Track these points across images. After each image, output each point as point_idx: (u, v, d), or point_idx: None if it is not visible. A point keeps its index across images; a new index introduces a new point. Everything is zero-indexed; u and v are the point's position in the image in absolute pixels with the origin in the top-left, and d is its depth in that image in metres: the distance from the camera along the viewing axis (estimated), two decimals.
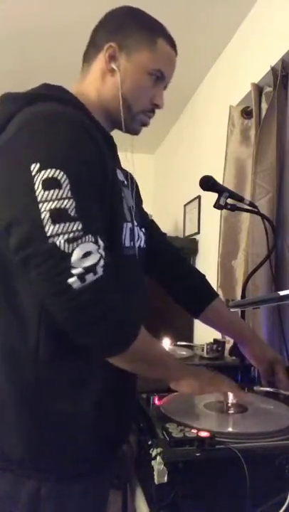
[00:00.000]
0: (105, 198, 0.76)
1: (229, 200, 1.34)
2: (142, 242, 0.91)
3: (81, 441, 0.75)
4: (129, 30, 0.85)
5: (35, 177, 0.65)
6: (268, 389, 1.08)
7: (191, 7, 2.00)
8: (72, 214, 0.65)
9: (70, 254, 0.63)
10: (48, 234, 0.64)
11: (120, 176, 0.86)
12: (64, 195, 0.65)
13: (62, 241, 0.64)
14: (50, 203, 0.64)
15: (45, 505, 0.72)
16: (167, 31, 0.89)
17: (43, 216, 0.64)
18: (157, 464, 0.64)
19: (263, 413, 0.92)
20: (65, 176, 0.66)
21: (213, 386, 0.88)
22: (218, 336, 1.93)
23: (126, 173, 0.92)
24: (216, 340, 1.67)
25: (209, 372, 0.98)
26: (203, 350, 1.66)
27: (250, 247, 1.68)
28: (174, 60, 0.90)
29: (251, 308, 1.54)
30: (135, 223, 0.85)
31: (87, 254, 0.64)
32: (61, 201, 0.65)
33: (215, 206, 1.34)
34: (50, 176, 0.65)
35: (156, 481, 0.64)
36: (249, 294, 1.50)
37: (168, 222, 3.21)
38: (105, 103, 0.86)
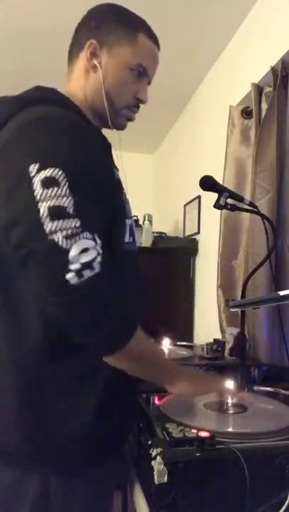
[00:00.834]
0: (106, 197, 0.76)
1: (229, 200, 1.34)
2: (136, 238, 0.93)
3: (83, 438, 0.75)
4: (109, 26, 0.86)
5: (35, 176, 0.66)
6: (268, 389, 1.08)
7: (191, 7, 2.00)
8: (70, 211, 0.66)
9: (68, 251, 0.64)
10: (47, 231, 0.64)
11: (117, 175, 0.87)
12: (62, 194, 0.66)
13: (60, 237, 0.64)
14: (49, 201, 0.65)
15: (53, 500, 0.74)
16: (148, 26, 0.90)
17: (41, 214, 0.65)
18: (157, 464, 0.64)
19: (263, 413, 0.92)
20: (63, 175, 0.67)
21: (209, 389, 0.88)
22: (218, 335, 1.94)
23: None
24: (216, 340, 1.67)
25: (206, 375, 0.98)
26: (203, 350, 1.67)
27: (250, 247, 1.68)
28: (156, 55, 0.91)
29: (251, 308, 1.54)
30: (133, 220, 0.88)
31: (84, 251, 0.65)
32: (59, 199, 0.66)
33: (215, 206, 1.34)
34: (48, 175, 0.66)
35: (156, 481, 0.64)
36: (249, 294, 1.50)
37: (168, 222, 3.21)
38: (91, 101, 0.88)
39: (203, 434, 0.71)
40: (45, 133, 0.71)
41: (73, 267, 0.64)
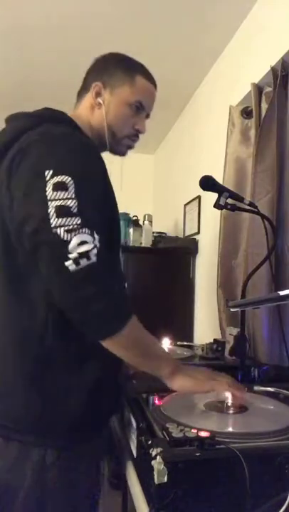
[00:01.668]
0: (108, 202, 0.91)
1: (229, 200, 1.34)
2: None
3: (82, 412, 0.84)
4: (111, 70, 1.04)
5: (48, 181, 0.79)
6: (268, 389, 1.08)
7: (191, 7, 2.00)
8: (73, 211, 0.78)
9: (69, 242, 0.75)
10: (53, 225, 0.76)
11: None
12: (69, 196, 0.78)
13: (63, 231, 0.76)
14: (57, 201, 0.78)
15: (50, 471, 0.82)
16: (145, 69, 1.07)
17: (50, 211, 0.77)
18: (157, 464, 0.64)
19: (262, 413, 0.92)
20: (71, 182, 0.79)
21: (210, 385, 0.89)
22: (218, 335, 1.94)
23: None
24: (216, 340, 1.67)
25: (207, 371, 0.98)
26: (203, 350, 1.67)
27: (250, 246, 1.68)
28: (153, 92, 1.08)
29: (251, 308, 1.54)
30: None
31: (82, 243, 0.76)
32: (66, 201, 0.78)
33: (215, 206, 1.34)
34: (59, 180, 0.79)
35: (156, 481, 0.64)
36: (249, 294, 1.50)
37: (168, 222, 3.21)
38: (95, 130, 1.04)
39: (203, 434, 0.71)
40: (59, 146, 0.86)
41: (72, 255, 0.74)
